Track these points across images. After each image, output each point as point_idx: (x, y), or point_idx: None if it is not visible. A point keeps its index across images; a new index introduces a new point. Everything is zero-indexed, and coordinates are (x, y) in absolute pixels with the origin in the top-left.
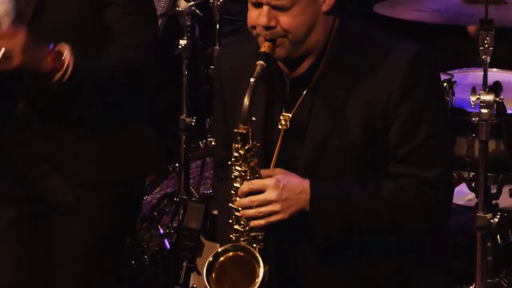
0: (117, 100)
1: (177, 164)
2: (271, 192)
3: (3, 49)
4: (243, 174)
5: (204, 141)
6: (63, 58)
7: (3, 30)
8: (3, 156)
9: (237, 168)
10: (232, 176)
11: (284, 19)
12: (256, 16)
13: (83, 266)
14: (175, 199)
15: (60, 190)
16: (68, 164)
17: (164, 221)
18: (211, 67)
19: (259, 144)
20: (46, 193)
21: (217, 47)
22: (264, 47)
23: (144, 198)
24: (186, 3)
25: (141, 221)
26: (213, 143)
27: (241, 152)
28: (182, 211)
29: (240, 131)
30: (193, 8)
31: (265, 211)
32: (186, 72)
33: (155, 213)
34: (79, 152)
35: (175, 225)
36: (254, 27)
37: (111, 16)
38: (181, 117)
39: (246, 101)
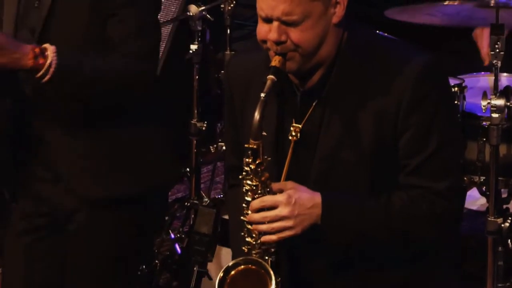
0: (117, 107)
1: (188, 169)
2: (283, 209)
3: None
4: (254, 188)
5: (215, 145)
6: (44, 57)
7: None
8: (18, 170)
9: (248, 182)
10: (243, 190)
11: (295, 34)
12: (266, 31)
13: (96, 284)
14: (186, 203)
15: (71, 207)
16: (79, 179)
17: (175, 225)
18: (222, 71)
19: (270, 159)
20: (59, 209)
21: (228, 52)
22: (275, 61)
23: None
24: (197, 8)
25: None
26: (224, 147)
27: (252, 166)
28: (193, 216)
29: (250, 146)
30: (204, 13)
31: (277, 227)
32: (197, 77)
33: (166, 218)
34: (90, 168)
35: (186, 229)
36: (264, 42)
37: (111, 26)
38: (192, 122)
39: (256, 116)
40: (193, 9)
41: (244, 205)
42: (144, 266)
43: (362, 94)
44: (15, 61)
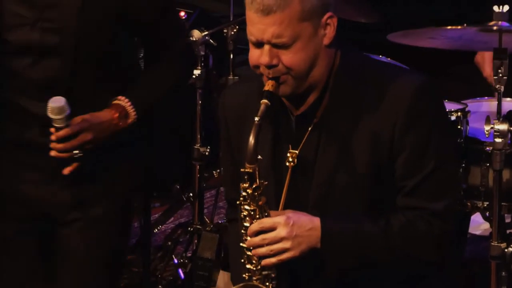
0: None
1: (191, 194)
2: (282, 229)
3: (76, 152)
4: (252, 213)
5: (218, 170)
6: (124, 111)
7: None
8: (11, 173)
9: (246, 207)
10: (242, 215)
11: (286, 57)
12: (258, 56)
13: (89, 279)
14: (189, 228)
15: (66, 208)
16: (74, 180)
17: (178, 250)
18: None
19: (266, 183)
20: (52, 211)
21: (231, 77)
22: (268, 85)
23: (158, 227)
24: (200, 33)
25: (155, 250)
26: None
27: (249, 191)
28: (196, 241)
29: (246, 170)
30: (207, 37)
31: (276, 249)
32: (200, 102)
33: (169, 243)
34: (85, 169)
35: (189, 254)
36: (257, 67)
37: (146, 33)
38: (195, 147)
39: (251, 140)
40: (196, 34)
41: (242, 231)
42: None
43: (357, 116)
44: (111, 127)
